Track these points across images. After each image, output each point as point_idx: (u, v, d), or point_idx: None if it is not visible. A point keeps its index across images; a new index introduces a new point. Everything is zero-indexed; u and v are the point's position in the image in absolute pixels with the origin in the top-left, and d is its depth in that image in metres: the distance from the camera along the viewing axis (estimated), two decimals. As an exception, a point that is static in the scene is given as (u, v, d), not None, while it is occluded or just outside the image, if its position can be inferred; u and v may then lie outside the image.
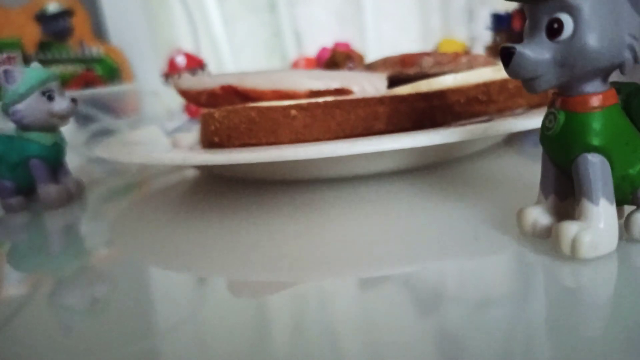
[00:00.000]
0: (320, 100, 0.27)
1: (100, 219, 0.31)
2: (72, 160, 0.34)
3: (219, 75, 0.33)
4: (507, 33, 0.50)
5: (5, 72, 0.30)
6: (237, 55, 1.28)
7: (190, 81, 0.33)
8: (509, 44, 0.16)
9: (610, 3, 0.15)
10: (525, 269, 0.17)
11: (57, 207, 0.32)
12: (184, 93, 0.32)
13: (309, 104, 0.27)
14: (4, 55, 0.79)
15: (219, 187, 0.32)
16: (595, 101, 0.16)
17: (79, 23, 0.94)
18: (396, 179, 0.29)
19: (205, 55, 1.21)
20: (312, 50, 1.30)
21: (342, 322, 0.16)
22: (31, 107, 0.30)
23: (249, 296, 0.19)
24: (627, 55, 0.15)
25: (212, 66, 1.20)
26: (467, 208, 0.23)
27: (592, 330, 0.14)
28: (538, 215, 0.18)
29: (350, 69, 0.46)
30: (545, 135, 0.17)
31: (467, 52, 0.55)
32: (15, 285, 0.23)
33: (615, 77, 0.17)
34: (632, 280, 0.16)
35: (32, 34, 0.86)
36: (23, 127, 0.31)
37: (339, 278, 0.19)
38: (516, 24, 0.50)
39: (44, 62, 0.87)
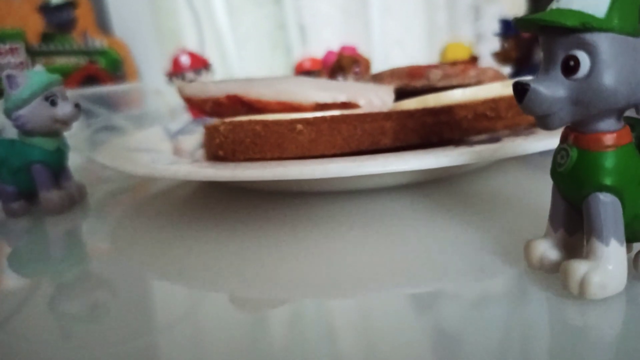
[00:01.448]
0: (327, 114, 0.27)
1: (101, 224, 0.31)
2: (75, 157, 0.34)
3: (224, 81, 0.32)
4: (515, 39, 0.50)
5: (9, 77, 0.29)
6: (241, 47, 1.27)
7: (195, 88, 0.32)
8: (524, 80, 0.15)
9: (629, 42, 0.15)
10: (531, 306, 0.17)
11: (58, 213, 0.32)
12: (189, 100, 0.32)
13: (315, 119, 0.26)
14: (7, 46, 0.78)
15: (222, 194, 0.32)
16: (609, 140, 0.16)
17: (83, 14, 0.93)
18: (400, 193, 0.29)
19: (209, 47, 1.20)
20: (316, 45, 1.29)
21: (340, 340, 0.16)
22: (34, 112, 0.30)
23: (247, 310, 0.19)
24: (644, 95, 0.15)
25: (215, 58, 1.20)
26: (472, 229, 0.23)
27: None
28: (546, 250, 0.18)
29: (356, 73, 0.46)
30: (556, 170, 0.17)
31: (474, 58, 0.54)
32: (15, 289, 0.23)
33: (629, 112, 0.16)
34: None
35: (35, 25, 0.85)
36: (26, 132, 0.30)
37: (338, 296, 0.19)
38: (525, 31, 0.49)
39: (47, 54, 0.87)
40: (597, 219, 0.16)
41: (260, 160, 0.26)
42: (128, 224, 0.30)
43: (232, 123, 0.26)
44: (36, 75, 0.30)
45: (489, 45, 0.59)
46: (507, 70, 0.52)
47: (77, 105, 0.31)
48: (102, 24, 0.97)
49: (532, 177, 0.30)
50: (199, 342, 0.17)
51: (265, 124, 0.26)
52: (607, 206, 0.16)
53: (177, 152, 0.35)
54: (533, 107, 0.15)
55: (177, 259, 0.23)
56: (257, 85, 0.31)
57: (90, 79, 0.90)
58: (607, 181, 0.16)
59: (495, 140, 0.25)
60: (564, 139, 0.17)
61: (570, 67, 0.15)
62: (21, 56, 0.79)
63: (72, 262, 0.26)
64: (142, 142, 0.37)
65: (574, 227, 0.17)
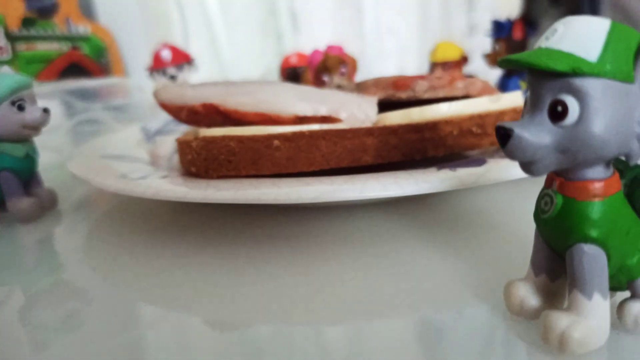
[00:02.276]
0: (305, 129, 0.26)
1: (74, 231, 0.30)
2: (52, 156, 0.33)
3: (202, 85, 0.31)
4: (506, 42, 0.49)
5: (-28, 81, 0.28)
6: (231, 33, 1.25)
7: (171, 93, 0.31)
8: (507, 125, 0.14)
9: (621, 88, 0.14)
10: (505, 355, 0.16)
11: (28, 221, 0.31)
12: (165, 106, 0.31)
13: (293, 134, 0.25)
14: (-14, 31, 0.76)
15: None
16: (596, 189, 0.15)
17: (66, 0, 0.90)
18: (382, 209, 0.28)
19: (198, 32, 1.18)
20: (307, 33, 1.27)
21: None
22: (0, 117, 0.28)
23: (222, 330, 0.18)
24: (635, 145, 0.14)
25: (204, 44, 1.18)
26: (455, 255, 0.22)
27: None
28: (526, 294, 0.17)
29: (342, 74, 0.44)
30: (539, 216, 0.16)
31: (465, 58, 0.53)
32: None
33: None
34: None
35: (15, 9, 0.82)
36: (-9, 138, 0.29)
37: (306, 321, 0.18)
38: (517, 33, 0.48)
39: (28, 39, 0.85)
40: (580, 272, 0.15)
41: (233, 177, 0.25)
42: (101, 230, 0.30)
43: (205, 139, 0.25)
44: (3, 79, 0.29)
45: (482, 38, 0.58)
46: (497, 72, 0.51)
47: (45, 110, 0.30)
48: (86, 10, 0.94)
49: (518, 198, 0.29)
50: (175, 351, 0.17)
51: (240, 139, 0.25)
52: (592, 259, 0.15)
53: (153, 157, 0.34)
54: (516, 154, 0.14)
55: (153, 266, 0.23)
56: (236, 92, 0.29)
57: (74, 65, 0.87)
58: (593, 233, 0.15)
59: (480, 162, 0.24)
60: (548, 182, 0.16)
61: (557, 113, 0.14)
62: (0, 41, 0.76)
63: (44, 270, 0.25)
64: (117, 147, 0.35)
65: (556, 273, 0.17)
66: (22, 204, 0.30)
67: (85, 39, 0.91)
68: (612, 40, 0.14)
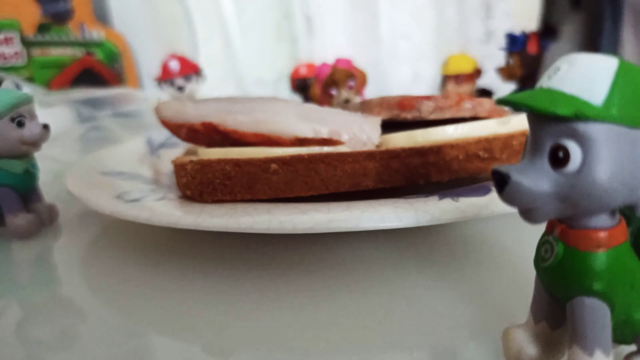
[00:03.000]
0: (304, 152, 0.25)
1: (72, 248, 0.30)
2: (54, 167, 0.33)
3: (203, 102, 0.30)
4: (520, 56, 0.47)
5: (-29, 97, 0.28)
6: (245, 37, 1.24)
7: (172, 109, 0.30)
8: (503, 170, 0.13)
9: (628, 134, 0.13)
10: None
11: (27, 238, 0.30)
12: (165, 123, 0.30)
13: (292, 158, 0.24)
14: (2, 36, 0.77)
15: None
16: (600, 239, 0.14)
17: (80, 5, 0.90)
18: (379, 235, 0.27)
19: (212, 37, 1.18)
20: (322, 37, 1.26)
21: None
22: (-1, 134, 0.28)
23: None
24: (642, 195, 0.13)
25: (219, 48, 1.17)
26: (453, 289, 0.21)
27: None
28: (524, 343, 0.16)
29: (350, 88, 0.43)
30: (539, 264, 0.15)
31: (478, 71, 0.52)
32: None
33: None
34: None
35: (31, 14, 0.83)
36: (-10, 155, 0.29)
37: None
38: (532, 47, 0.47)
39: (42, 44, 0.85)
40: (581, 326, 0.14)
41: (228, 202, 0.24)
42: (99, 247, 0.29)
43: (201, 162, 0.24)
44: (2, 95, 0.28)
45: (496, 50, 0.57)
46: (511, 87, 0.50)
47: (45, 127, 0.29)
48: (100, 15, 0.94)
49: (523, 227, 0.28)
50: None
51: (236, 163, 0.24)
52: (594, 313, 0.14)
53: (155, 174, 0.34)
54: (513, 200, 0.13)
55: (150, 284, 0.23)
56: (236, 111, 0.29)
57: (87, 71, 0.88)
58: (596, 286, 0.14)
59: (484, 191, 0.23)
60: (549, 228, 0.15)
61: (558, 159, 0.13)
62: (16, 47, 0.77)
63: (40, 286, 0.25)
64: (120, 161, 0.35)
65: (557, 321, 0.16)
66: (20, 220, 0.30)
67: (99, 44, 0.91)
68: (619, 82, 0.13)
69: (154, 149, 0.39)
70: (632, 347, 0.15)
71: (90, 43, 0.90)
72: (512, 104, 0.13)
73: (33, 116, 0.30)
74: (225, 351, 0.18)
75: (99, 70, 0.90)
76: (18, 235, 0.30)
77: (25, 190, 0.30)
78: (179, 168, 0.25)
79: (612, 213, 0.14)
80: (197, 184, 0.24)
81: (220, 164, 0.24)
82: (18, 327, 0.21)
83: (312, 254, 0.25)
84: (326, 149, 0.26)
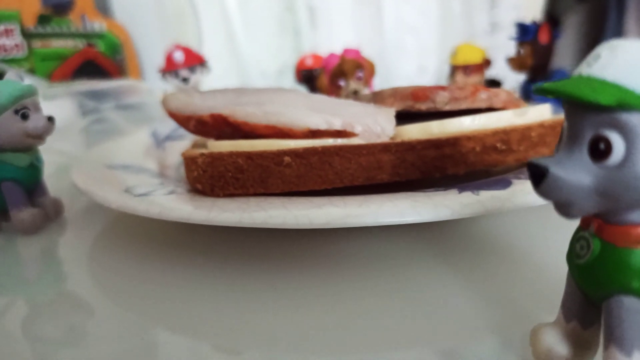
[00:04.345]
0: (318, 144, 0.24)
1: (78, 243, 0.29)
2: (58, 160, 0.32)
3: (210, 93, 0.30)
4: (531, 45, 0.46)
5: (-26, 89, 0.27)
6: (248, 29, 1.23)
7: (180, 101, 0.30)
8: (541, 162, 0.13)
9: (673, 124, 0.12)
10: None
11: (32, 233, 0.30)
12: (172, 115, 0.30)
13: (305, 150, 0.24)
14: (2, 28, 0.76)
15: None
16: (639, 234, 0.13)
17: (82, -4, 0.89)
18: (395, 231, 0.26)
19: (215, 29, 1.17)
20: (326, 29, 1.25)
21: None
22: (3, 126, 0.28)
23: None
24: (688, 189, 0.12)
25: (222, 41, 1.16)
26: (474, 288, 0.20)
27: None
28: (555, 343, 0.15)
29: (359, 78, 0.43)
30: (573, 261, 0.14)
31: (487, 62, 0.51)
32: None
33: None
34: None
35: (31, 6, 0.82)
36: (-5, 148, 0.28)
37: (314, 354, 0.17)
38: (543, 37, 0.46)
39: (43, 36, 0.84)
40: (619, 326, 0.13)
41: (241, 196, 0.24)
42: (106, 241, 0.29)
43: (212, 155, 0.23)
44: (5, 86, 0.28)
45: (504, 39, 0.56)
46: (521, 77, 0.49)
47: (50, 119, 0.29)
48: (101, 6, 0.93)
49: (546, 225, 0.27)
50: None
51: (248, 156, 0.23)
52: (633, 313, 0.13)
53: (161, 167, 0.33)
54: (551, 195, 0.13)
55: (158, 279, 0.22)
56: (246, 102, 0.28)
57: (89, 63, 0.87)
58: (635, 284, 0.13)
59: (505, 184, 0.23)
60: (585, 223, 0.14)
61: (599, 151, 0.12)
62: (16, 38, 0.76)
63: (47, 282, 0.25)
64: (125, 154, 0.34)
65: (589, 320, 0.15)
66: (24, 215, 0.29)
67: (100, 35, 0.90)
68: (664, 69, 0.12)
69: (159, 141, 0.39)
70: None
71: (92, 34, 0.89)
72: (552, 93, 0.12)
73: (37, 108, 0.29)
74: (235, 349, 0.18)
75: (100, 62, 0.89)
76: (23, 230, 0.29)
77: (30, 184, 0.30)
78: (190, 161, 0.24)
79: (652, 208, 0.13)
80: (208, 177, 0.23)
81: (232, 157, 0.23)
82: (25, 324, 0.20)
83: (325, 249, 0.25)
84: (340, 141, 0.25)
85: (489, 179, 0.24)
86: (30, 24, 0.79)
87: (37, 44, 0.80)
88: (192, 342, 0.19)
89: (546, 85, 0.13)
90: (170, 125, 0.42)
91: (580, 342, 0.15)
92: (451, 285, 0.21)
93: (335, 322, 0.19)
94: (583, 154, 0.12)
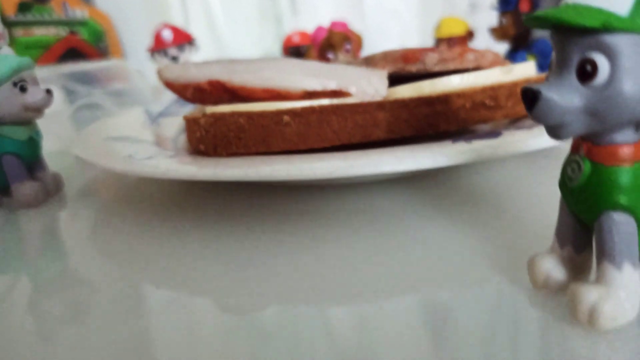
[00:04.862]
0: (315, 104, 0.25)
1: (80, 217, 0.30)
2: (54, 141, 0.33)
3: (206, 63, 0.30)
4: (513, 15, 0.47)
5: (-28, 62, 0.27)
6: (229, 17, 1.23)
7: (175, 71, 0.30)
8: (534, 87, 0.14)
9: (654, 45, 0.13)
10: (533, 331, 0.16)
11: (33, 206, 0.30)
12: (169, 85, 0.30)
13: (303, 109, 0.24)
14: (-18, 17, 0.75)
15: (205, 184, 0.30)
16: (626, 153, 0.14)
17: (62, -17, 0.88)
18: (394, 185, 0.27)
19: (196, 17, 1.16)
20: (307, 16, 1.25)
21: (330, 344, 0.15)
22: (2, 99, 0.28)
23: (234, 312, 0.18)
24: (669, 106, 0.13)
25: (202, 29, 1.16)
26: (470, 232, 0.21)
27: None
28: (551, 268, 0.16)
29: (347, 51, 0.43)
30: (565, 184, 0.15)
31: (470, 33, 0.52)
32: None
33: None
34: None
35: (11, -7, 0.81)
36: (-6, 121, 0.28)
37: (323, 300, 0.18)
38: (524, 6, 0.47)
39: (25, 24, 0.84)
40: (609, 241, 0.14)
41: (244, 155, 0.24)
42: (108, 215, 0.29)
43: (214, 115, 0.24)
44: (3, 60, 0.28)
45: (484, 15, 0.57)
46: (504, 46, 0.50)
47: (48, 91, 0.29)
48: (83, -6, 0.92)
49: (535, 173, 0.28)
50: (183, 340, 0.16)
51: (249, 116, 0.24)
52: (622, 227, 0.14)
53: (158, 139, 0.33)
54: (544, 117, 0.14)
55: (160, 254, 0.22)
56: (241, 70, 0.29)
57: (72, 51, 0.86)
58: (623, 200, 0.14)
59: (495, 135, 0.24)
60: (575, 148, 0.15)
61: (587, 73, 0.13)
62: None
63: (50, 258, 0.25)
64: (121, 129, 0.35)
65: (582, 244, 0.16)
66: (26, 188, 0.29)
67: (83, 23, 0.89)
68: (645, -6, 0.13)
69: (153, 118, 0.39)
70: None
71: (74, 22, 0.88)
72: (541, 20, 0.13)
73: (35, 81, 0.29)
74: (242, 308, 0.18)
75: (83, 49, 0.89)
76: (25, 204, 0.30)
77: (30, 158, 0.30)
78: (192, 123, 0.25)
79: (636, 128, 0.14)
80: (211, 137, 0.24)
81: (233, 117, 0.24)
82: (28, 299, 0.20)
83: (325, 205, 0.26)
84: (336, 101, 0.26)
85: (480, 132, 0.25)
86: (11, 12, 0.78)
87: (18, 32, 0.79)
88: (197, 307, 0.19)
89: (536, 13, 0.14)
90: (162, 104, 0.43)
91: (575, 266, 0.16)
92: (449, 231, 0.22)
93: (336, 271, 0.19)
94: (572, 77, 0.13)
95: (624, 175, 0.14)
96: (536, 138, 0.23)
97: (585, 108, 0.13)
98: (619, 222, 0.14)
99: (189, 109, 0.37)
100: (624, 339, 0.14)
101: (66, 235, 0.28)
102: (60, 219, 0.30)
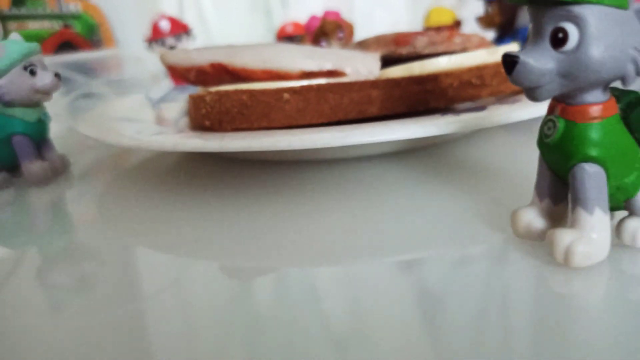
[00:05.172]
0: (313, 83, 0.27)
1: (86, 194, 0.31)
2: (55, 126, 0.34)
3: (206, 48, 0.32)
4: (498, 4, 0.49)
5: (-16, 46, 0.29)
6: (220, 11, 1.24)
7: (178, 56, 0.32)
8: (513, 52, 0.15)
9: (617, 14, 0.15)
10: (516, 273, 0.18)
11: (42, 184, 0.31)
12: (172, 68, 0.32)
13: (302, 88, 0.26)
14: (-24, 10, 0.75)
15: (208, 162, 0.32)
16: (595, 112, 0.16)
17: (56, -23, 0.89)
18: (387, 161, 0.29)
19: (187, 11, 1.17)
20: (297, 9, 1.27)
21: (327, 304, 0.16)
22: (13, 82, 0.29)
23: (235, 277, 0.19)
24: (630, 67, 0.15)
25: (194, 23, 1.17)
26: (459, 198, 0.23)
27: (581, 336, 0.14)
28: (532, 218, 0.18)
29: (340, 39, 0.45)
30: (543, 141, 0.17)
31: (457, 23, 0.54)
32: (1, 261, 0.23)
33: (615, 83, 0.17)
34: (622, 286, 0.17)
35: (5, -13, 0.81)
36: (5, 103, 0.30)
37: (324, 263, 0.19)
38: (509, -5, 0.49)
39: (19, 18, 0.84)
40: (582, 189, 0.16)
41: (247, 130, 0.26)
42: (113, 193, 0.30)
43: (219, 93, 0.25)
44: (14, 45, 0.29)
45: (471, 8, 0.59)
46: (490, 34, 0.52)
47: (57, 75, 0.30)
48: (76, -13, 0.93)
49: (517, 145, 0.30)
50: (187, 310, 0.17)
51: (252, 93, 0.26)
52: (592, 176, 0.16)
53: (160, 121, 0.35)
54: (522, 79, 0.15)
55: (163, 227, 0.23)
56: (241, 54, 0.30)
57: (66, 44, 0.87)
58: (593, 152, 0.16)
59: (481, 108, 0.25)
60: (551, 110, 0.17)
61: (558, 40, 0.15)
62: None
63: (58, 233, 0.26)
64: (123, 111, 0.36)
65: (559, 197, 0.18)
66: (35, 167, 0.31)
67: (76, 16, 0.90)
68: (608, -31, 0.15)
69: (154, 103, 0.40)
70: (625, 214, 0.18)
71: (68, 16, 0.89)
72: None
73: (44, 66, 0.30)
74: (246, 273, 0.19)
75: (77, 42, 0.89)
76: (35, 182, 0.31)
77: (38, 138, 0.31)
78: (198, 100, 0.26)
79: (604, 90, 0.16)
80: (217, 113, 0.26)
81: (237, 94, 0.25)
82: (37, 273, 0.21)
83: (321, 179, 0.27)
84: (332, 80, 0.27)
85: (467, 107, 0.27)
86: (5, 6, 0.79)
87: (12, 26, 0.79)
88: (204, 274, 0.20)
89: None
90: (161, 90, 0.44)
91: (553, 217, 0.18)
92: (438, 196, 0.24)
93: (335, 235, 0.21)
94: (546, 44, 0.15)
95: (594, 131, 0.16)
96: (517, 111, 0.24)
97: (558, 70, 0.15)
98: (590, 172, 0.16)
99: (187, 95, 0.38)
100: (597, 275, 0.16)
101: (73, 211, 0.30)
102: (67, 196, 0.32)
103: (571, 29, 0.15)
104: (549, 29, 0.15)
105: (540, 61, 0.15)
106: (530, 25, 0.16)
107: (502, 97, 0.31)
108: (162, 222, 0.24)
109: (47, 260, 0.22)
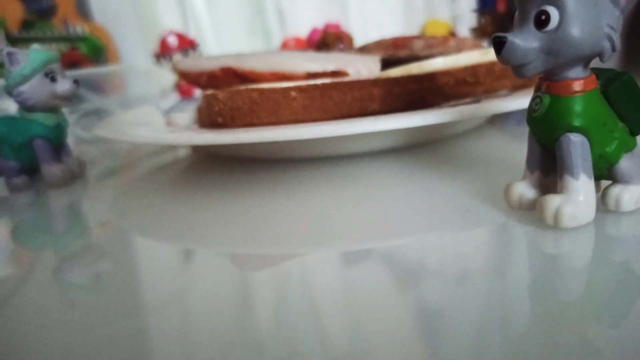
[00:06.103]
0: (318, 81, 0.28)
1: (101, 197, 0.32)
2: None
3: (216, 56, 0.34)
4: (491, 15, 0.52)
5: (9, 54, 0.30)
6: (219, 34, 1.27)
7: (189, 63, 0.34)
8: (501, 34, 0.17)
9: (592, -3, 0.17)
10: (511, 239, 0.19)
11: (60, 187, 0.33)
12: (184, 74, 0.33)
13: (308, 86, 0.28)
14: (-13, 34, 0.78)
15: (212, 166, 0.33)
16: (577, 86, 0.18)
17: (63, 1, 0.92)
18: (387, 157, 0.30)
19: (187, 32, 1.20)
20: (295, 30, 1.30)
21: (325, 295, 0.17)
22: (35, 88, 0.31)
23: (247, 269, 0.20)
24: (606, 44, 0.17)
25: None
26: (456, 185, 0.24)
27: (570, 294, 0.15)
28: (524, 190, 0.20)
29: (340, 50, 0.47)
30: (531, 116, 0.19)
31: (453, 34, 0.56)
32: (20, 262, 0.24)
33: (594, 63, 0.18)
34: (607, 247, 0.18)
35: (15, 12, 0.84)
36: (27, 108, 0.32)
37: (326, 252, 0.20)
38: (501, 6, 0.52)
39: (28, 41, 0.87)
40: (568, 157, 0.18)
41: (257, 125, 0.28)
42: (128, 196, 0.31)
43: (230, 91, 0.27)
44: (36, 53, 0.31)
45: (466, 25, 0.62)
46: (484, 45, 0.54)
47: (75, 81, 0.32)
48: (83, 10, 0.96)
49: (509, 142, 0.32)
50: (201, 309, 0.17)
51: (261, 91, 0.27)
52: (577, 144, 0.18)
53: (171, 127, 0.36)
54: (510, 58, 0.17)
55: (176, 228, 0.24)
56: (249, 59, 0.32)
57: (73, 65, 0.89)
58: (576, 122, 0.18)
59: (476, 101, 0.27)
60: (537, 88, 0.19)
61: (541, 21, 0.17)
62: (1, 44, 0.78)
63: (75, 234, 0.27)
64: (137, 118, 0.38)
65: (548, 169, 0.19)
66: (54, 169, 0.32)
67: (83, 38, 0.93)
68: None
69: (164, 112, 0.42)
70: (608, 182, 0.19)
71: (75, 38, 0.91)
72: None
73: (63, 73, 0.32)
74: (258, 262, 0.20)
75: (84, 64, 0.92)
76: (54, 184, 0.32)
77: (57, 142, 0.33)
78: (211, 98, 0.28)
79: (585, 66, 0.18)
80: (229, 109, 0.27)
81: (247, 92, 0.27)
82: (54, 272, 0.22)
83: (322, 174, 0.28)
84: (336, 80, 0.29)
85: (462, 102, 0.29)
86: (15, 30, 0.82)
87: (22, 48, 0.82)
88: (215, 267, 0.20)
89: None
90: (170, 101, 0.46)
91: (543, 188, 0.20)
92: (436, 187, 0.25)
93: (331, 224, 0.22)
94: (530, 26, 0.17)
95: (577, 103, 0.18)
96: (508, 103, 0.26)
97: (542, 49, 0.17)
98: (575, 141, 0.18)
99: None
100: (584, 235, 0.18)
101: (90, 213, 0.31)
102: (85, 199, 0.33)
103: (552, 11, 0.17)
104: (533, 13, 0.17)
105: (526, 41, 0.17)
106: (516, 14, 0.18)
107: (495, 95, 0.32)
108: (175, 223, 0.24)
109: (64, 259, 0.23)
